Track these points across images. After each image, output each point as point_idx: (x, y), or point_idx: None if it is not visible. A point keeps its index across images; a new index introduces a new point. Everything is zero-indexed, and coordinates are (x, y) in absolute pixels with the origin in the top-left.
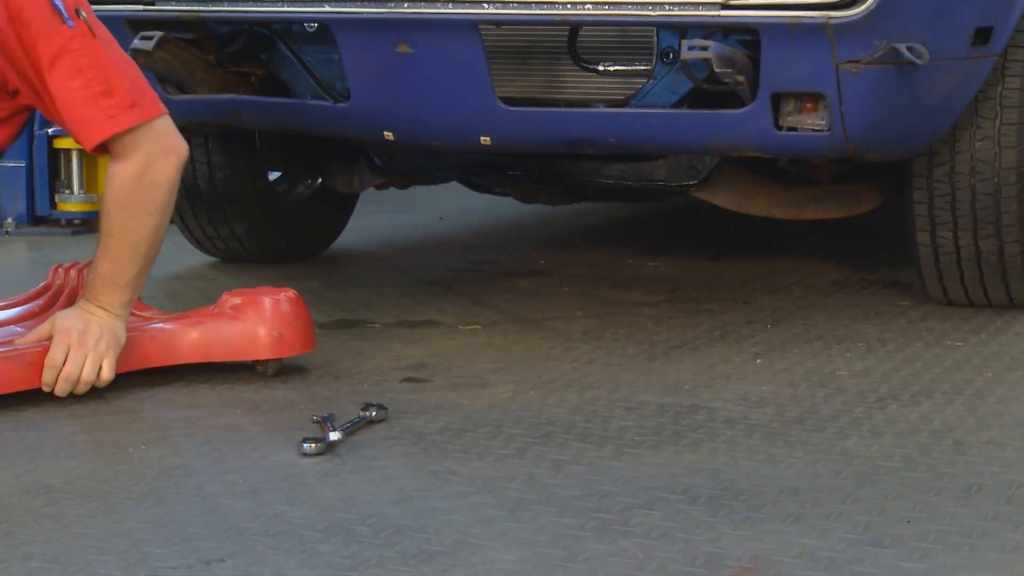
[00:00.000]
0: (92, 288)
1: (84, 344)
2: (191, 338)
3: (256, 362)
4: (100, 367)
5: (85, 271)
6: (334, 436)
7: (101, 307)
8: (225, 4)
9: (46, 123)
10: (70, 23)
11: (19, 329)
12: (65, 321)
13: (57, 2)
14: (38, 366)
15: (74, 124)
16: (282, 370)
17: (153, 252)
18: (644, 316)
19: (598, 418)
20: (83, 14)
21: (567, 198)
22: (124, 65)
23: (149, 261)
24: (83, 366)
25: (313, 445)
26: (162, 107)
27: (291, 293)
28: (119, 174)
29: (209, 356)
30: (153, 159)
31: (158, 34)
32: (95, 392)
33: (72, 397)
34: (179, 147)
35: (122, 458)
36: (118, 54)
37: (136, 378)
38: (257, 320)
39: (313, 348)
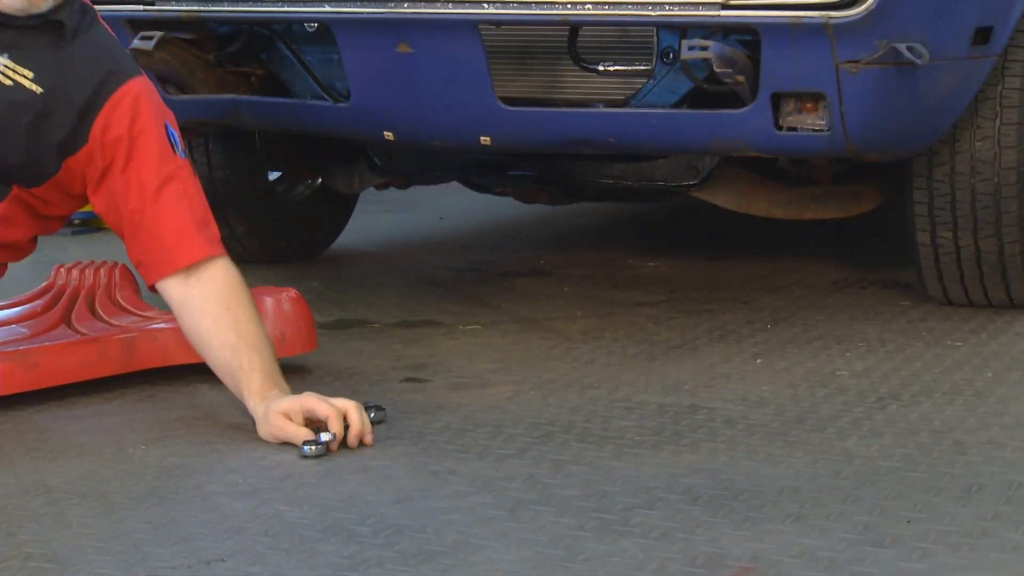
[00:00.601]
0: (267, 383)
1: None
2: None
3: None
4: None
5: (87, 271)
6: (325, 437)
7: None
8: (225, 4)
9: None
10: (181, 155)
11: (22, 329)
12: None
13: (172, 133)
14: (41, 367)
15: (172, 239)
16: (282, 370)
17: None
18: (644, 316)
19: (598, 418)
20: (187, 152)
21: (567, 198)
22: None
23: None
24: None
25: (313, 448)
26: None
27: (292, 293)
28: (220, 279)
29: None
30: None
31: (158, 34)
32: (95, 392)
33: (72, 397)
34: None
35: (122, 458)
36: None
37: (136, 378)
38: None
39: (315, 348)
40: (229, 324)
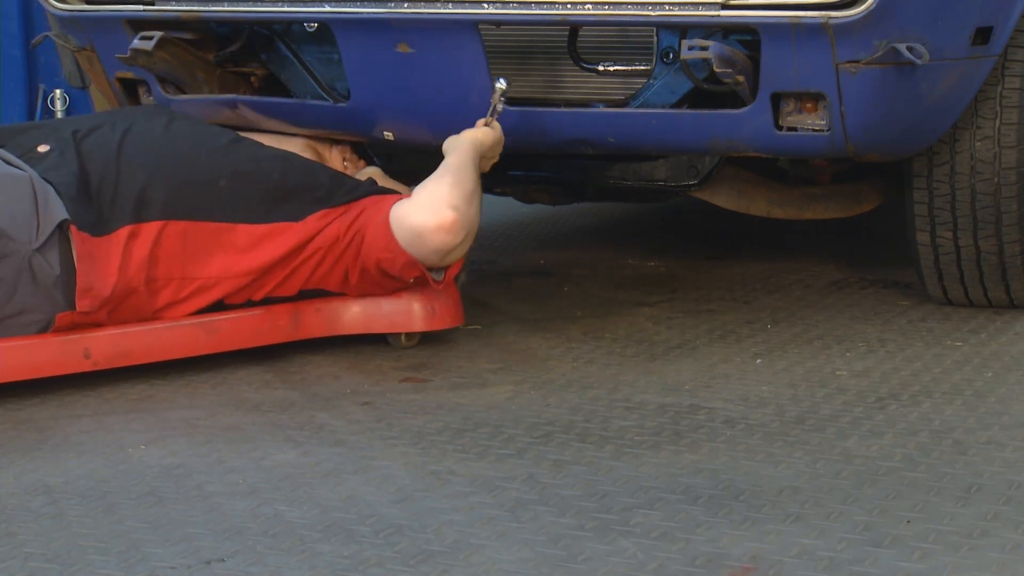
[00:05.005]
0: None
1: None
2: (352, 312)
3: (400, 334)
4: None
5: None
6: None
7: None
8: (225, 4)
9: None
10: None
11: None
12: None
13: None
14: (221, 332)
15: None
16: (281, 370)
17: None
18: (644, 316)
19: (598, 418)
20: None
21: (567, 198)
22: None
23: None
24: None
25: None
26: None
27: None
28: None
29: (369, 328)
30: None
31: (158, 34)
32: (95, 392)
33: (72, 397)
34: None
35: (122, 458)
36: None
37: (136, 378)
38: (411, 296)
39: (462, 323)
40: None
